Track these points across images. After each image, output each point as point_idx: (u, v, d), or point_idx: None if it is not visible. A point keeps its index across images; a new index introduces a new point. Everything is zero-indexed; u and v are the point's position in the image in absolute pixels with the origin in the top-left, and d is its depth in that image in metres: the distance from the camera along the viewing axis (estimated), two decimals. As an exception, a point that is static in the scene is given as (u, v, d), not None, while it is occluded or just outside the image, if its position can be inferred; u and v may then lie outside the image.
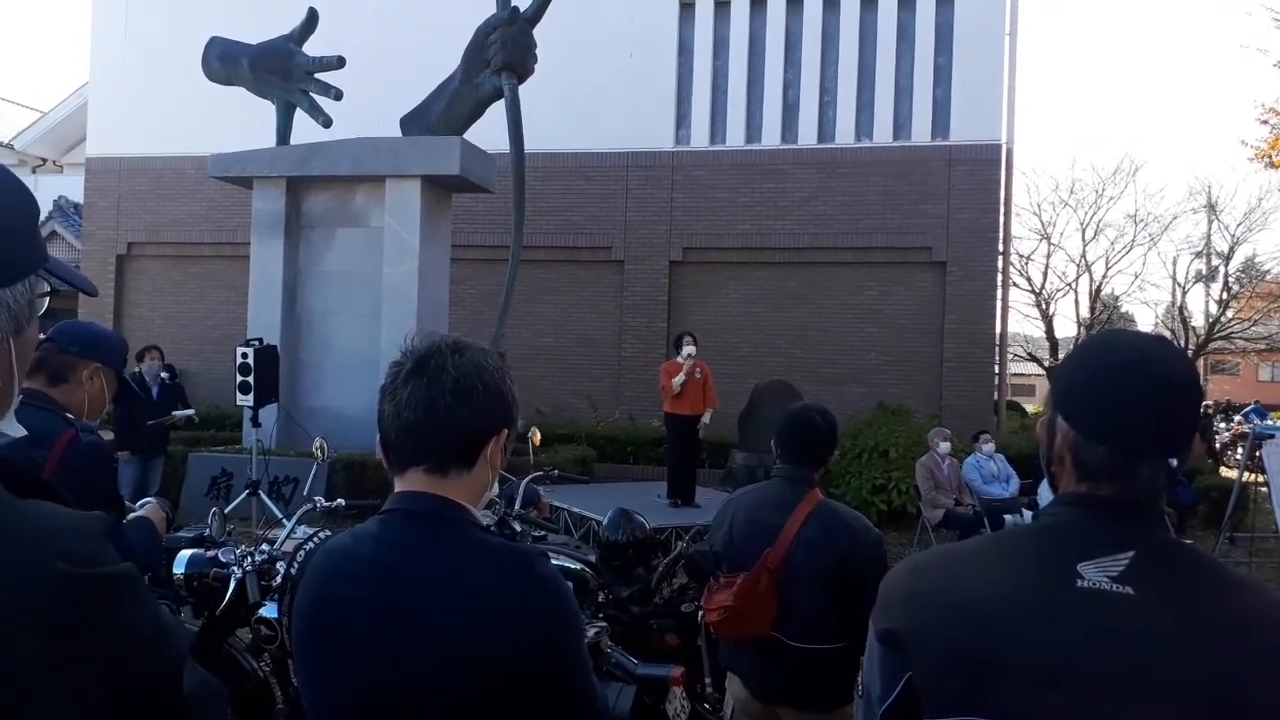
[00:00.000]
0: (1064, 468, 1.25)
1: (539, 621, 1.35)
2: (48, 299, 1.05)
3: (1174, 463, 1.19)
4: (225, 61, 11.47)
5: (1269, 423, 18.15)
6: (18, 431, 1.01)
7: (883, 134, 15.03)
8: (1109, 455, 1.19)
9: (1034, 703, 1.11)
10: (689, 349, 9.40)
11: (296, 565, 1.29)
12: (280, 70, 11.07)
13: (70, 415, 2.55)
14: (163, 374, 9.53)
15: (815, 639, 2.91)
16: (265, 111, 11.69)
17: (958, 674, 1.15)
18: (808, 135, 15.21)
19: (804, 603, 2.91)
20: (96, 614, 0.85)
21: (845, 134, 15.14)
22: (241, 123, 13.07)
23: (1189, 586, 1.16)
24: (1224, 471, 14.85)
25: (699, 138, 15.49)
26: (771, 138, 15.30)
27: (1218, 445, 20.58)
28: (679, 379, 9.24)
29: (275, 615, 3.51)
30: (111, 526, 0.96)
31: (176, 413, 9.24)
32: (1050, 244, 25.84)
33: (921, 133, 14.89)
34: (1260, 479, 10.02)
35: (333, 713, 1.41)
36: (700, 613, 3.17)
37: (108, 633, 0.86)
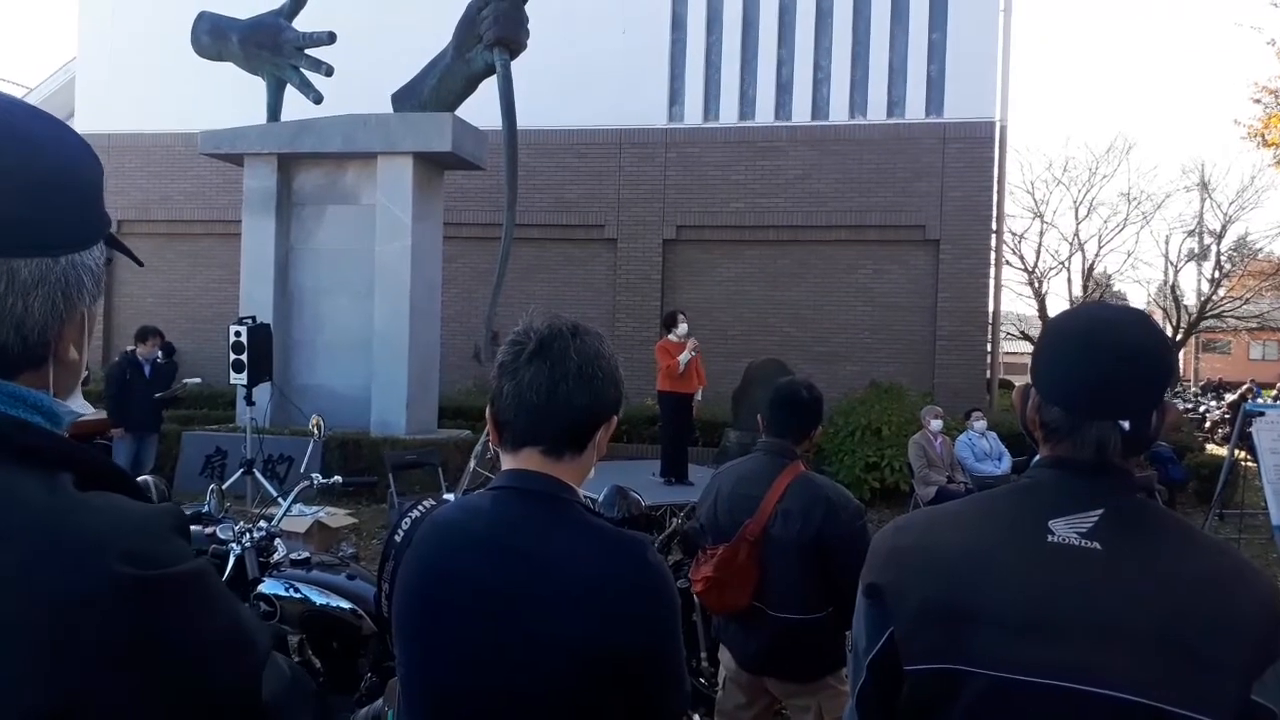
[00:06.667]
0: (1037, 430, 1.31)
1: (654, 608, 1.36)
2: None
3: (1125, 425, 1.21)
4: (215, 37, 11.35)
5: (1260, 401, 18.26)
6: (87, 409, 0.93)
7: (877, 111, 14.97)
8: (1062, 416, 1.25)
9: (1004, 652, 1.16)
10: (683, 327, 9.41)
11: (401, 534, 1.32)
12: (271, 46, 10.97)
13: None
14: (158, 352, 9.47)
15: (795, 609, 2.97)
16: (256, 88, 11.59)
17: (934, 624, 1.21)
18: (801, 112, 15.15)
19: (783, 573, 2.97)
20: (159, 619, 0.77)
21: (839, 111, 15.08)
22: (232, 99, 12.97)
23: (1154, 544, 1.20)
24: (1213, 449, 14.95)
25: (692, 114, 15.41)
26: (765, 114, 15.24)
27: (1207, 423, 20.71)
28: (685, 356, 9.23)
29: (274, 591, 3.53)
30: (185, 521, 0.87)
31: (186, 380, 9.22)
32: (1043, 222, 25.81)
33: (915, 110, 14.83)
34: (1250, 456, 10.08)
35: (436, 690, 1.40)
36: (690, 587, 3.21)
37: (173, 639, 0.78)
